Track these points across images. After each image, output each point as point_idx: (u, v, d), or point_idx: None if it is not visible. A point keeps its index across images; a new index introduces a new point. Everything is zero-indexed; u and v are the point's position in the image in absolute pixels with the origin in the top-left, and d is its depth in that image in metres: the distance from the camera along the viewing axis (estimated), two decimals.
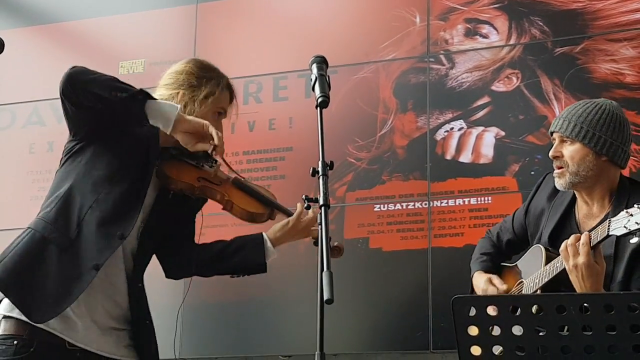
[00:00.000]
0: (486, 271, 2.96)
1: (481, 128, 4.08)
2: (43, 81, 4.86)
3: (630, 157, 2.83)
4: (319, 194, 2.18)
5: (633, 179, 2.86)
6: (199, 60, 2.87)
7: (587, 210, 2.77)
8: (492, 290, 2.85)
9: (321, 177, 2.20)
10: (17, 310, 2.50)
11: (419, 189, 4.10)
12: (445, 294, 3.61)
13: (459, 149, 4.09)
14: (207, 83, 2.77)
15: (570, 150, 2.72)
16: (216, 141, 2.57)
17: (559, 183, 2.76)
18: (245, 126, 4.40)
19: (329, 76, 2.41)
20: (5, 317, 2.53)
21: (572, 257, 2.50)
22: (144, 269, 2.76)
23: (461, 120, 4.12)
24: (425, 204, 4.06)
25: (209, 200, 2.84)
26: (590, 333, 2.00)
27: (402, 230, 4.08)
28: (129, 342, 2.70)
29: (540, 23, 4.10)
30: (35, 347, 2.49)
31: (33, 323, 2.49)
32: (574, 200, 2.81)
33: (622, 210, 2.52)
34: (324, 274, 2.00)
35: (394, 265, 4.05)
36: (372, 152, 4.22)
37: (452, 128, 4.12)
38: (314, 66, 2.41)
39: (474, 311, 2.08)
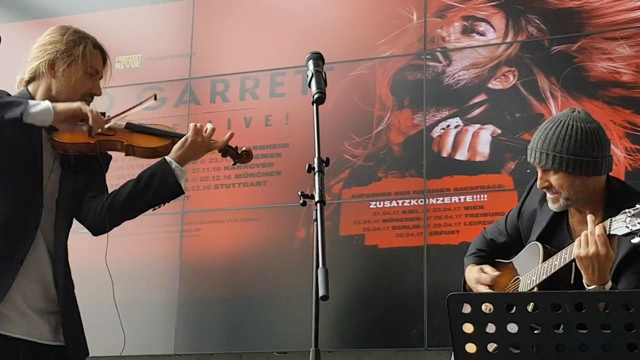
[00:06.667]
0: (479, 265, 2.96)
1: (477, 126, 4.08)
2: None
3: (627, 157, 2.82)
4: (315, 190, 2.18)
5: (622, 181, 2.84)
6: (64, 27, 2.88)
7: (580, 217, 2.75)
8: (484, 278, 2.85)
9: (317, 174, 2.21)
10: None
11: (415, 186, 4.09)
12: (441, 291, 3.64)
13: (455, 147, 4.09)
14: (75, 46, 2.80)
15: (556, 179, 2.68)
16: (90, 120, 2.62)
17: (554, 207, 2.73)
18: (242, 122, 4.40)
19: (325, 72, 2.41)
20: None
21: (591, 245, 2.48)
22: (65, 239, 2.78)
23: (457, 118, 4.12)
24: (421, 201, 4.06)
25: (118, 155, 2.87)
26: (585, 331, 2.00)
27: (398, 228, 4.08)
28: (55, 326, 2.71)
29: (537, 21, 4.10)
30: None
31: None
32: None
33: (614, 214, 2.52)
34: (319, 270, 2.00)
35: (389, 262, 4.05)
36: (368, 149, 4.21)
37: (448, 125, 4.12)
38: (311, 62, 2.42)
39: (469, 309, 2.08)
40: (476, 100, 4.11)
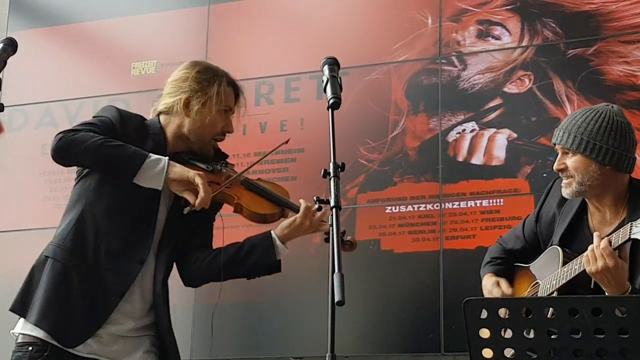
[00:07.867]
0: (496, 273, 2.95)
1: (493, 130, 4.07)
2: (56, 82, 4.87)
3: None
4: (330, 195, 2.18)
5: None
6: (197, 63, 2.90)
7: (600, 217, 2.75)
8: (496, 293, 2.85)
9: (332, 179, 2.21)
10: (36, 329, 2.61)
11: (431, 190, 4.09)
12: (457, 296, 3.62)
13: (470, 151, 4.08)
14: (209, 84, 2.80)
15: (573, 162, 2.69)
16: (200, 193, 2.61)
17: (566, 192, 2.74)
18: (257, 127, 4.41)
19: (340, 77, 2.41)
20: (23, 334, 2.64)
21: (599, 259, 2.49)
22: (166, 276, 2.79)
23: (473, 122, 4.11)
24: (437, 206, 4.05)
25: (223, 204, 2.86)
26: (603, 336, 1.99)
27: (414, 232, 4.07)
28: (148, 347, 2.74)
29: (553, 24, 4.08)
30: (49, 351, 2.58)
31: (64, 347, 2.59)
32: (584, 206, 2.79)
33: (638, 215, 2.51)
34: (335, 275, 2.00)
35: (405, 267, 4.04)
36: (384, 153, 4.21)
37: (464, 130, 4.11)
38: (326, 67, 2.42)
39: (486, 313, 2.07)
40: (492, 104, 4.10)
